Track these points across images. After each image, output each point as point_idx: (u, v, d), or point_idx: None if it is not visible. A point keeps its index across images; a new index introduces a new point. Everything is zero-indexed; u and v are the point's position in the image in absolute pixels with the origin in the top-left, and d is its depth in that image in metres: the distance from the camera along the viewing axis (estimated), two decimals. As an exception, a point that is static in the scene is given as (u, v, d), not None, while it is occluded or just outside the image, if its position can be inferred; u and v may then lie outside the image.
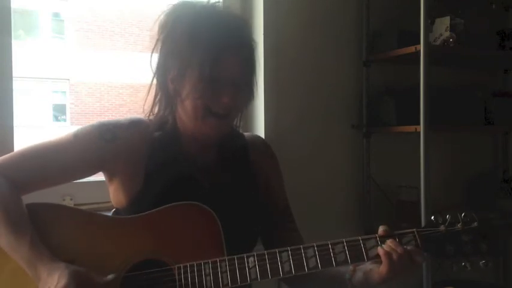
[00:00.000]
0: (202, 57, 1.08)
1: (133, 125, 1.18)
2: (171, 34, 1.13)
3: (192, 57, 1.09)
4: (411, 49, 1.83)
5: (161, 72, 1.15)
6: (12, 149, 1.53)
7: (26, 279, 1.02)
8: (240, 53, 1.13)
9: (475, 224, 1.03)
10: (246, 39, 1.16)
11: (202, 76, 1.08)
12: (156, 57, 1.16)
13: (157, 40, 1.15)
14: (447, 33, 1.89)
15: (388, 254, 1.01)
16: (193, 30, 1.10)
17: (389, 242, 1.03)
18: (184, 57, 1.10)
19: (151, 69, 1.16)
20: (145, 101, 1.20)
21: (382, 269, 1.02)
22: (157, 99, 1.19)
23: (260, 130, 1.89)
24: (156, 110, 1.19)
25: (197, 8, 1.14)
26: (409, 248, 1.02)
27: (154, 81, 1.17)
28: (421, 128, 1.77)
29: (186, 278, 1.04)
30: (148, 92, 1.19)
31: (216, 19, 1.13)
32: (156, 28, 1.15)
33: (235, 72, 1.12)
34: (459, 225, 1.03)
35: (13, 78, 1.55)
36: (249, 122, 1.94)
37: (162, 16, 1.15)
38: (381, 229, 1.06)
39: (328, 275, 1.13)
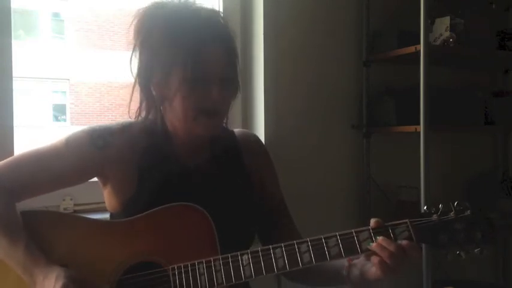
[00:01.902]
0: (184, 56, 1.06)
1: (124, 130, 1.18)
2: (147, 38, 1.11)
3: (174, 58, 1.07)
4: (411, 49, 1.83)
5: (143, 78, 1.13)
6: (12, 149, 1.53)
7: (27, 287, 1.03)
8: (220, 45, 1.11)
9: (468, 212, 1.02)
10: (224, 31, 1.14)
11: (187, 75, 1.07)
12: (135, 62, 1.14)
13: (135, 46, 1.13)
14: (447, 33, 1.89)
15: (380, 260, 1.00)
16: (170, 30, 1.08)
17: (380, 240, 1.01)
18: (165, 60, 1.08)
19: (132, 75, 1.14)
20: (128, 108, 1.18)
21: (377, 271, 1.01)
22: (143, 105, 1.16)
23: (260, 130, 1.89)
24: (143, 114, 1.17)
25: (169, 7, 1.12)
26: (404, 243, 1.01)
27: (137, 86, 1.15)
28: (421, 128, 1.77)
29: (180, 279, 1.04)
30: (131, 98, 1.17)
31: (191, 16, 1.11)
32: (131, 34, 1.12)
33: (220, 65, 1.11)
34: (452, 214, 1.03)
35: (13, 78, 1.54)
36: (249, 122, 1.94)
37: (135, 21, 1.12)
38: (372, 221, 1.04)
39: (325, 272, 1.13)
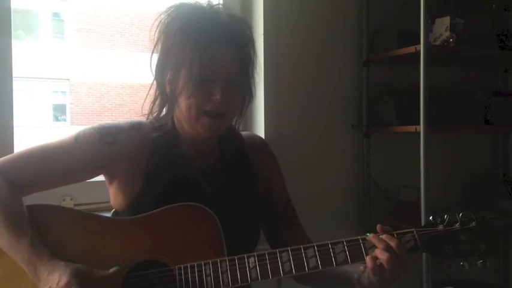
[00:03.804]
0: (191, 53, 1.07)
1: (134, 128, 1.18)
2: (166, 35, 1.13)
3: (183, 56, 1.09)
4: (411, 49, 1.83)
5: (159, 73, 1.15)
6: (12, 149, 1.53)
7: (19, 278, 1.03)
8: (232, 49, 1.11)
9: (473, 223, 1.04)
10: (240, 35, 1.14)
11: (192, 72, 1.08)
12: (155, 58, 1.16)
13: (156, 42, 1.14)
14: (447, 33, 1.88)
15: (382, 252, 1.00)
16: (185, 29, 1.10)
17: (384, 237, 1.02)
18: (177, 57, 1.10)
19: (152, 72, 1.16)
20: (143, 103, 1.20)
21: (381, 268, 1.01)
22: (156, 101, 1.18)
23: (260, 130, 1.89)
24: (155, 111, 1.19)
25: (193, 8, 1.14)
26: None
27: (154, 82, 1.17)
28: (421, 128, 1.77)
29: (186, 279, 1.04)
30: (148, 94, 1.19)
31: (208, 17, 1.12)
32: (154, 30, 1.14)
33: (228, 68, 1.11)
34: (457, 225, 1.04)
35: (13, 78, 1.54)
36: (249, 122, 1.94)
37: (159, 18, 1.14)
38: (378, 227, 1.05)
39: (337, 273, 1.13)
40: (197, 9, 1.14)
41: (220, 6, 1.17)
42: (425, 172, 1.76)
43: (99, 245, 1.09)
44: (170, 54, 1.12)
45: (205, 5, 1.15)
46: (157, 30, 1.14)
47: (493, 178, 2.39)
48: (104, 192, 1.25)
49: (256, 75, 1.20)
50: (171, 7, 1.15)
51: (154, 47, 1.15)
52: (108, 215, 1.24)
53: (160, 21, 1.14)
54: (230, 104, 1.13)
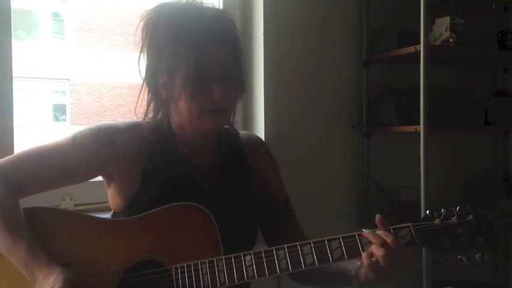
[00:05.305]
0: (186, 56, 1.07)
1: (131, 129, 1.18)
2: (154, 38, 1.11)
3: (177, 57, 1.08)
4: (411, 49, 1.83)
5: (151, 78, 1.14)
6: (12, 149, 1.53)
7: (25, 283, 1.03)
8: (224, 46, 1.11)
9: (470, 217, 1.03)
10: (228, 30, 1.14)
11: (189, 75, 1.07)
12: (144, 61, 1.15)
13: (142, 45, 1.13)
14: (447, 33, 1.88)
15: (377, 249, 1.00)
16: (174, 29, 1.09)
17: (380, 232, 1.02)
18: (170, 59, 1.09)
19: (140, 76, 1.15)
20: (136, 106, 1.19)
21: (377, 264, 1.01)
22: (150, 105, 1.17)
23: (260, 130, 1.89)
24: (150, 114, 1.18)
25: (176, 7, 1.13)
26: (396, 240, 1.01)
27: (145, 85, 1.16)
28: (421, 128, 1.77)
29: (183, 278, 1.04)
30: (139, 98, 1.17)
31: (196, 15, 1.11)
32: (139, 33, 1.13)
33: (223, 65, 1.11)
34: (454, 218, 1.03)
35: (13, 78, 1.55)
36: (249, 122, 1.94)
37: (142, 21, 1.13)
38: (377, 217, 1.05)
39: (334, 270, 1.12)
40: (182, 7, 1.13)
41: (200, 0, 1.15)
42: (425, 172, 1.76)
43: (96, 246, 1.09)
44: (162, 57, 1.10)
45: (186, 3, 1.14)
46: (143, 34, 1.13)
47: (493, 178, 2.39)
48: (104, 192, 1.25)
49: (246, 68, 1.20)
50: (156, 7, 1.14)
51: (142, 49, 1.14)
52: (108, 215, 1.24)
53: (144, 24, 1.13)
54: (228, 99, 1.14)
